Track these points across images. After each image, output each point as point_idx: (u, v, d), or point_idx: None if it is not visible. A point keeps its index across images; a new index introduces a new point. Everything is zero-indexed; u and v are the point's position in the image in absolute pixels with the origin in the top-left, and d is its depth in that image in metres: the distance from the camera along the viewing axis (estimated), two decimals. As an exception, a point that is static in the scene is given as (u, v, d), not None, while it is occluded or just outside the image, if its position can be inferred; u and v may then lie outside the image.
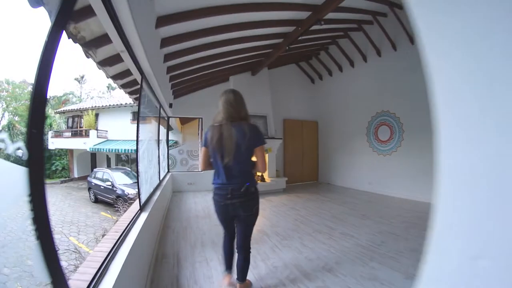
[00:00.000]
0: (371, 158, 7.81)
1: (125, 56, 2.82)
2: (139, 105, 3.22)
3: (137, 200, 3.20)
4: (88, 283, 1.47)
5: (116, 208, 9.14)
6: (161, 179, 5.49)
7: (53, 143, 18.35)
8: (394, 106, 7.10)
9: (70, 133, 18.29)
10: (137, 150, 3.08)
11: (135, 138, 3.07)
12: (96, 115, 18.21)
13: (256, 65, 7.69)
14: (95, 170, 13.07)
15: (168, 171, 7.58)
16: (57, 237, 7.86)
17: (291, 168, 9.21)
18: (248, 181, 2.15)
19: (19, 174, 0.94)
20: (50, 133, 19.02)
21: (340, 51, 8.52)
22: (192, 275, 2.88)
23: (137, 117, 3.10)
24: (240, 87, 7.66)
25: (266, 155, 7.72)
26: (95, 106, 18.52)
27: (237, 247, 2.37)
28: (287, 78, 9.67)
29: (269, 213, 5.41)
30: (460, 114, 0.55)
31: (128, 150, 15.02)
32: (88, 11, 2.07)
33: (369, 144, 7.91)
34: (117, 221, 4.18)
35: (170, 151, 7.77)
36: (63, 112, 21.44)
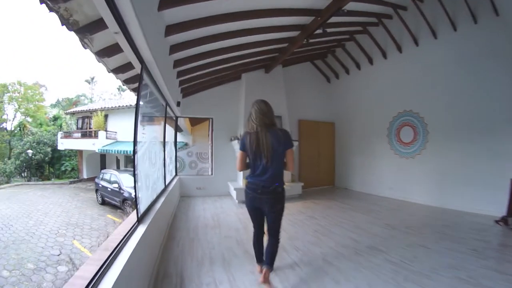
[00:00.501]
0: (393, 161, 7.27)
1: (121, 39, 2.38)
2: (137, 98, 2.76)
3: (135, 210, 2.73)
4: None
5: (123, 211, 8.81)
6: (167, 184, 5.04)
7: (63, 144, 18.27)
8: (417, 105, 6.63)
9: (79, 134, 18.16)
10: (134, 152, 2.62)
11: (140, 139, 2.69)
12: (106, 116, 18.01)
13: (270, 61, 7.20)
14: (102, 171, 12.79)
15: (176, 175, 7.14)
16: (60, 240, 7.63)
17: (307, 172, 8.65)
18: (277, 182, 2.44)
19: None
20: (59, 134, 18.97)
21: (358, 47, 7.98)
22: (197, 302, 2.36)
23: (135, 112, 2.63)
24: (253, 85, 7.29)
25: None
26: (105, 107, 18.34)
27: (267, 232, 2.67)
28: (302, 77, 9.16)
29: (286, 222, 4.87)
30: None
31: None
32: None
33: (390, 146, 7.36)
34: (108, 236, 3.74)
35: (178, 153, 7.33)
36: (73, 113, 21.40)
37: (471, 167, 5.56)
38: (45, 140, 20.44)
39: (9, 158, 20.76)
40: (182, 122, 9.51)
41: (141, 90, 2.93)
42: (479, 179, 5.40)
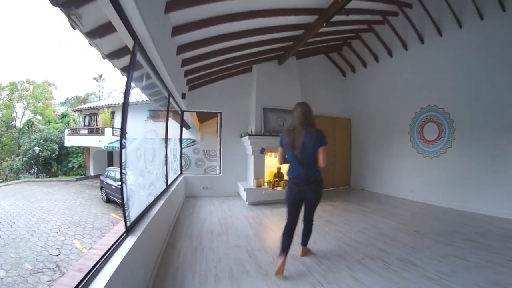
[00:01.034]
0: (415, 160, 6.67)
1: (106, 5, 1.83)
2: (128, 81, 2.20)
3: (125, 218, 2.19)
4: None
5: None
6: (169, 183, 4.50)
7: (69, 141, 18.02)
8: (442, 100, 6.08)
9: (86, 131, 17.88)
10: (121, 147, 2.06)
11: (133, 132, 2.25)
12: (112, 113, 17.67)
13: (284, 51, 6.61)
14: (107, 168, 12.42)
15: (181, 173, 6.61)
16: (60, 239, 7.17)
17: (321, 171, 7.91)
18: (317, 172, 2.78)
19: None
20: (66, 131, 18.74)
21: (376, 38, 7.35)
22: None
23: (124, 98, 2.08)
24: (265, 77, 6.75)
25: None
26: (111, 104, 18.01)
27: (303, 220, 3.10)
28: (316, 70, 8.54)
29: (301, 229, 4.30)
30: None
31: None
32: None
33: (412, 144, 6.75)
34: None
35: (184, 150, 6.80)
36: (81, 110, 21.16)
37: (501, 168, 5.05)
38: (52, 137, 20.23)
39: (18, 155, 20.61)
40: (189, 118, 9.02)
41: (133, 70, 2.38)
42: (510, 181, 4.90)
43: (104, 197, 11.74)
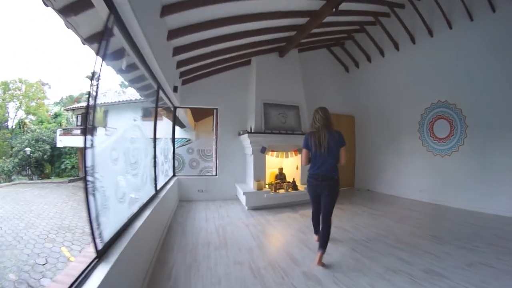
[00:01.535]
0: (425, 159, 6.27)
1: None
2: (97, 67, 1.62)
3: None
4: None
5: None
6: (159, 188, 3.90)
7: (61, 141, 17.32)
8: (454, 95, 5.72)
9: (79, 131, 17.17)
10: (84, 148, 1.51)
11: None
12: (105, 112, 16.96)
13: (286, 42, 6.04)
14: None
15: (174, 175, 6.00)
16: (48, 246, 6.54)
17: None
18: (334, 172, 3.02)
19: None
20: (58, 131, 18.03)
21: (383, 30, 6.81)
22: None
23: (92, 89, 1.47)
24: (265, 70, 6.24)
25: (299, 156, 6.06)
26: (104, 103, 17.30)
27: (321, 220, 3.15)
28: (318, 65, 7.98)
29: (310, 238, 3.75)
30: None
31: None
32: None
33: (422, 142, 6.34)
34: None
35: (176, 150, 6.20)
36: (73, 110, 20.41)
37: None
38: (44, 138, 19.41)
39: (10, 156, 19.83)
40: (183, 116, 8.42)
41: (105, 47, 1.80)
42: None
43: (96, 200, 11.03)
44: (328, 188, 3.02)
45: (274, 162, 6.18)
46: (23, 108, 24.94)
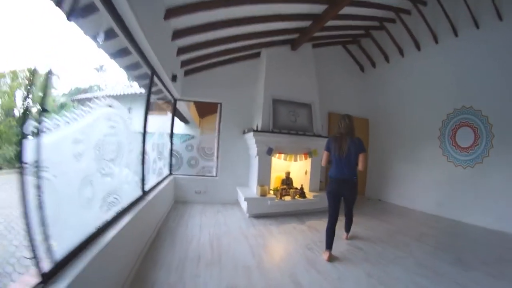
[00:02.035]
0: (445, 170, 5.71)
1: None
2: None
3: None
4: None
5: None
6: (148, 189, 3.39)
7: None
8: (479, 101, 5.22)
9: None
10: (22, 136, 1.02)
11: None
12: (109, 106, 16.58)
13: (299, 33, 5.48)
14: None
15: (170, 173, 5.49)
16: (39, 238, 6.27)
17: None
18: (354, 176, 3.29)
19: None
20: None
21: (404, 28, 6.29)
22: None
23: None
24: (276, 63, 5.70)
25: (309, 160, 5.55)
26: (108, 95, 16.95)
27: (346, 215, 3.72)
28: (332, 63, 7.41)
29: (319, 258, 3.21)
30: None
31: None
32: None
33: (443, 151, 5.78)
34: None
35: (175, 147, 5.69)
36: (79, 100, 20.16)
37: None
38: (48, 127, 19.15)
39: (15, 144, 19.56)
40: (185, 110, 7.91)
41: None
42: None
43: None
44: (349, 190, 3.35)
45: (280, 165, 5.64)
46: (30, 97, 24.79)
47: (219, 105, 5.98)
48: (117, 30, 2.35)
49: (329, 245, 3.23)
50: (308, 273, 2.78)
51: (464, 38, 5.46)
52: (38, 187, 1.33)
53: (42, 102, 1.53)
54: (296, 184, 5.53)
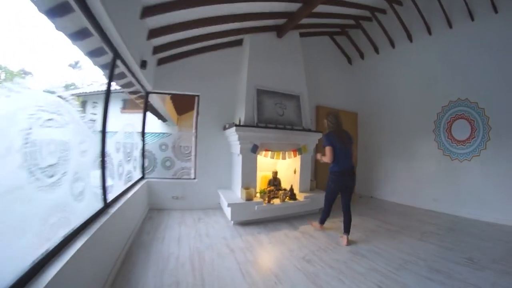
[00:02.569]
0: (441, 164, 5.66)
1: None
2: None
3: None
4: None
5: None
6: (111, 200, 2.77)
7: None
8: (475, 93, 5.20)
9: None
10: None
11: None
12: (84, 103, 15.42)
13: (287, 18, 4.99)
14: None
15: (143, 177, 4.86)
16: None
17: (323, 174, 6.36)
18: (354, 166, 3.65)
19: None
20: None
21: (396, 18, 6.13)
22: None
23: None
24: (261, 51, 5.21)
25: (298, 157, 5.09)
26: (82, 93, 15.77)
27: (344, 210, 3.64)
28: (319, 54, 7.00)
29: (325, 271, 2.76)
30: None
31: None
32: None
33: (438, 144, 5.72)
34: None
35: (148, 146, 5.03)
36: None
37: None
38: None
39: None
40: (160, 106, 7.24)
41: None
42: None
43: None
44: (353, 181, 3.61)
45: (266, 164, 5.16)
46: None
47: (196, 98, 5.36)
48: None
49: (324, 221, 4.02)
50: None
51: (458, 30, 5.40)
52: None
53: None
54: (285, 184, 5.07)
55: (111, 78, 2.72)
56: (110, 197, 2.78)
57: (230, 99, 5.43)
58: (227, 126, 4.93)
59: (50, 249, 1.58)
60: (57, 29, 2.52)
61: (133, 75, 3.81)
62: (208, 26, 4.31)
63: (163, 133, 6.21)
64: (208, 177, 5.22)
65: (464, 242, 3.74)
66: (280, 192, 4.62)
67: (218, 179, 5.27)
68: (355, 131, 7.57)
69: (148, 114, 5.25)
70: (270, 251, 3.30)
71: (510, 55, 4.65)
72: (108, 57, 2.85)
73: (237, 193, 4.64)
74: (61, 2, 2.13)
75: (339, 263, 2.93)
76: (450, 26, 5.47)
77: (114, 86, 5.37)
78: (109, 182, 2.80)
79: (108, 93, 2.65)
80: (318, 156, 3.91)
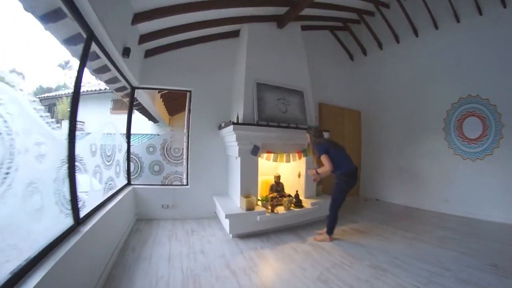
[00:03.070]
0: (451, 163, 5.42)
1: None
2: None
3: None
4: None
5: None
6: (84, 215, 2.27)
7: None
8: (486, 89, 5.00)
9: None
10: None
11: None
12: None
13: (290, 7, 4.54)
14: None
15: (129, 184, 4.34)
16: None
17: (329, 177, 5.78)
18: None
19: None
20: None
21: (402, 11, 5.91)
22: None
23: None
24: (260, 42, 4.76)
25: (303, 160, 4.65)
26: (71, 93, 15.09)
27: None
28: (320, 50, 6.61)
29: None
30: None
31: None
32: None
33: (448, 143, 5.48)
34: None
35: (134, 149, 4.51)
36: (41, 100, 17.91)
37: None
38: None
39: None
40: (149, 104, 6.73)
41: None
42: None
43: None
44: (357, 179, 3.62)
45: (267, 166, 4.66)
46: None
47: (188, 94, 4.86)
48: None
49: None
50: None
51: (466, 25, 5.23)
52: None
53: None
54: (288, 190, 4.62)
55: (83, 62, 2.23)
56: (84, 211, 2.28)
57: (226, 95, 4.96)
58: (223, 125, 4.40)
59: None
60: (25, 9, 2.06)
61: (115, 65, 3.30)
62: (202, 10, 3.81)
63: (150, 134, 5.71)
64: (202, 182, 4.71)
65: (484, 246, 3.51)
66: (285, 199, 4.13)
67: (213, 185, 4.77)
68: (358, 131, 7.29)
69: (139, 115, 4.75)
70: (278, 271, 2.81)
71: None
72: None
73: (236, 202, 4.14)
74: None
75: (361, 282, 2.51)
76: (458, 20, 5.30)
77: (104, 85, 4.88)
78: (83, 192, 2.31)
79: (78, 81, 2.16)
80: (313, 172, 3.63)
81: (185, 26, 4.18)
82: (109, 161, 3.13)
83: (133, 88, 4.48)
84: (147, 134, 6.36)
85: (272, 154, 4.20)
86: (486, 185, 4.89)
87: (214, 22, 4.36)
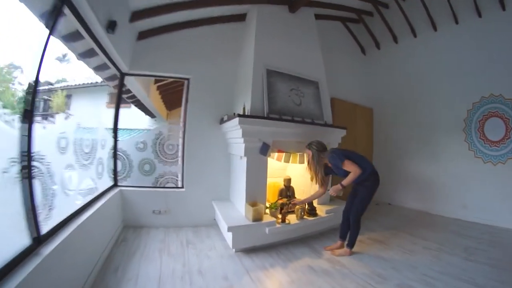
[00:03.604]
0: (471, 167, 5.21)
1: None
2: None
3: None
4: None
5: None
6: (46, 232, 1.76)
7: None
8: (510, 88, 4.82)
9: (39, 118, 14.33)
10: None
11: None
12: (68, 97, 14.24)
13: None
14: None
15: (115, 185, 3.81)
16: None
17: (336, 179, 5.41)
18: None
19: None
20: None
21: (421, 3, 5.62)
22: None
23: None
24: (271, 25, 4.25)
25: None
26: (67, 86, 14.54)
27: (348, 218, 3.35)
28: (331, 41, 6.17)
29: None
30: None
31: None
32: None
33: (469, 145, 5.25)
34: None
35: (121, 145, 3.97)
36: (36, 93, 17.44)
37: None
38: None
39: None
40: (142, 95, 6.17)
41: None
42: None
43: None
44: None
45: (274, 167, 4.14)
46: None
47: (186, 82, 4.33)
48: None
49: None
50: None
51: (488, 19, 5.03)
52: None
53: None
54: (299, 195, 4.10)
55: (51, 29, 1.71)
56: (49, 225, 1.76)
57: (229, 86, 4.43)
58: (225, 119, 3.82)
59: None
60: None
61: (98, 43, 2.76)
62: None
63: (139, 129, 5.18)
64: (199, 185, 4.17)
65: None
66: (297, 206, 3.58)
67: (212, 188, 4.23)
68: (370, 129, 7.00)
69: (135, 109, 4.25)
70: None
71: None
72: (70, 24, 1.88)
73: (239, 209, 3.62)
74: None
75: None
76: (480, 15, 5.08)
77: (97, 78, 4.39)
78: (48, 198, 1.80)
79: (43, 53, 1.65)
80: (338, 188, 3.15)
81: (186, 3, 3.66)
82: (87, 160, 2.61)
83: (123, 75, 3.95)
84: (133, 129, 5.83)
85: (284, 154, 3.67)
86: (508, 191, 4.69)
87: (218, 1, 3.85)
